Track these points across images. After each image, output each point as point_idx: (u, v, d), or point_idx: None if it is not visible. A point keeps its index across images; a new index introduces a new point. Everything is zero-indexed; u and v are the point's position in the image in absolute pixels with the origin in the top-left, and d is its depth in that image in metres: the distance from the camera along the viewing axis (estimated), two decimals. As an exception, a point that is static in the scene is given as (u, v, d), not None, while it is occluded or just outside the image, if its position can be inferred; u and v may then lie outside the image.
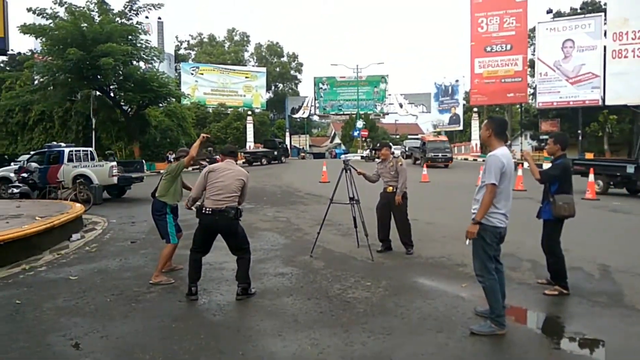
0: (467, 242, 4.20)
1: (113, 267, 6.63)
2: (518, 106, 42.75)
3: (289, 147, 46.52)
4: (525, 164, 18.93)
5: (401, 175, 7.03)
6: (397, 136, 64.73)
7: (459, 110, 49.20)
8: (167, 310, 4.82)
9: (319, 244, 7.29)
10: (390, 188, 7.11)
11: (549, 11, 36.88)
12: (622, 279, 5.78)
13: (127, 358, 3.71)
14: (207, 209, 4.92)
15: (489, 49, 37.90)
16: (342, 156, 7.69)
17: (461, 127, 49.72)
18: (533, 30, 38.91)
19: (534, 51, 38.84)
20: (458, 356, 3.72)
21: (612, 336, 4.15)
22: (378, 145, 7.65)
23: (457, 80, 49.34)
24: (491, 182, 4.00)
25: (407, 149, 38.17)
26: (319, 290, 5.37)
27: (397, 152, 41.34)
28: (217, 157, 6.52)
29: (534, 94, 40.96)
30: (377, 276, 5.89)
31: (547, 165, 6.25)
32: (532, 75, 40.06)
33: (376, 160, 7.60)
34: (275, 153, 35.75)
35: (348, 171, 7.03)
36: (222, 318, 4.56)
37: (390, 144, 7.99)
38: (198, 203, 5.14)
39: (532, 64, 39.44)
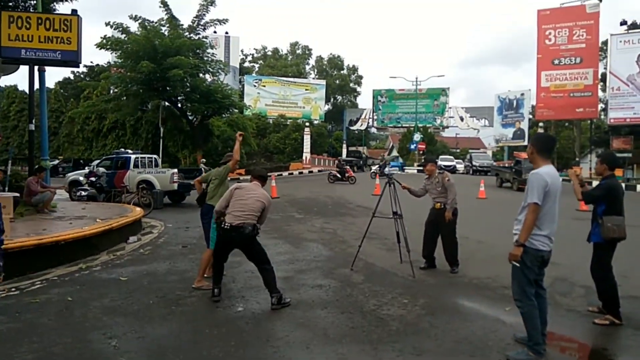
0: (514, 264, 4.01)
1: (161, 270, 6.92)
2: (588, 122, 40.46)
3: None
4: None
5: (450, 191, 6.85)
6: (458, 150, 63.09)
7: (524, 125, 47.20)
8: (203, 315, 4.97)
9: (362, 257, 7.24)
10: (438, 204, 6.94)
11: (623, 22, 34.80)
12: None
13: (159, 359, 3.86)
14: (226, 224, 5.15)
15: (556, 62, 36.24)
16: (386, 170, 7.60)
17: (526, 142, 47.54)
18: (605, 42, 36.85)
19: (606, 65, 36.70)
20: (488, 383, 3.56)
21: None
22: (423, 161, 7.50)
23: (522, 94, 47.43)
24: (533, 201, 3.83)
25: (472, 164, 36.77)
26: (354, 304, 5.33)
27: (460, 167, 40.67)
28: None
29: (605, 110, 38.61)
30: (415, 294, 5.76)
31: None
32: (604, 90, 37.85)
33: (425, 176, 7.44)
34: (360, 162, 43.67)
35: (392, 185, 6.95)
36: (254, 327, 4.63)
37: (436, 159, 7.77)
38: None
39: (603, 78, 37.27)
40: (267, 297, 5.58)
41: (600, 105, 40.35)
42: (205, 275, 6.12)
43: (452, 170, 35.70)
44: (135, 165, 16.64)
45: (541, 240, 3.90)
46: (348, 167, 27.47)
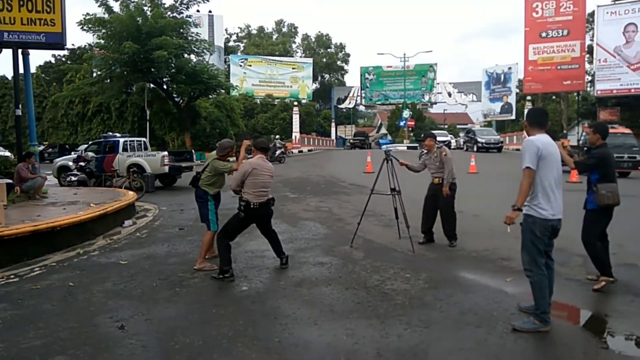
0: (509, 229, 4.12)
1: (161, 252, 6.89)
2: (575, 94, 40.74)
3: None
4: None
5: (447, 166, 6.86)
6: (446, 126, 63.25)
7: (512, 99, 47.39)
8: (208, 296, 4.97)
9: (360, 234, 7.27)
10: (437, 179, 6.96)
11: (610, -7, 34.79)
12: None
13: (168, 341, 3.85)
14: (255, 204, 5.50)
15: (544, 34, 36.27)
16: (384, 146, 7.59)
17: (514, 116, 47.89)
18: (592, 14, 36.87)
19: (593, 37, 36.81)
20: (497, 353, 3.62)
21: (667, 338, 3.91)
22: (422, 135, 7.48)
23: (509, 68, 47.49)
24: (526, 165, 3.92)
25: (477, 140, 31.11)
26: (357, 280, 5.37)
27: (453, 142, 39.46)
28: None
29: (592, 82, 38.84)
30: (417, 268, 5.81)
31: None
32: (591, 62, 38.02)
33: (423, 151, 7.43)
34: (366, 141, 46.42)
35: (389, 161, 6.94)
36: (261, 305, 4.65)
37: (434, 133, 7.72)
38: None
39: (590, 50, 37.41)
40: (270, 276, 5.63)
41: (587, 78, 40.57)
42: (206, 257, 6.10)
43: (448, 145, 35.10)
44: (124, 149, 16.41)
45: (549, 210, 3.94)
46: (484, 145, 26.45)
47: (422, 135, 7.39)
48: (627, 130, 20.38)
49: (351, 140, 47.55)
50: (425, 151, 7.14)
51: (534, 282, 4.01)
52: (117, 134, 19.45)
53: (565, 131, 40.29)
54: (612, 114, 34.22)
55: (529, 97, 40.69)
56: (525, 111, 39.35)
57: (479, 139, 31.22)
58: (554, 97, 50.27)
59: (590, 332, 4.17)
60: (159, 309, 4.57)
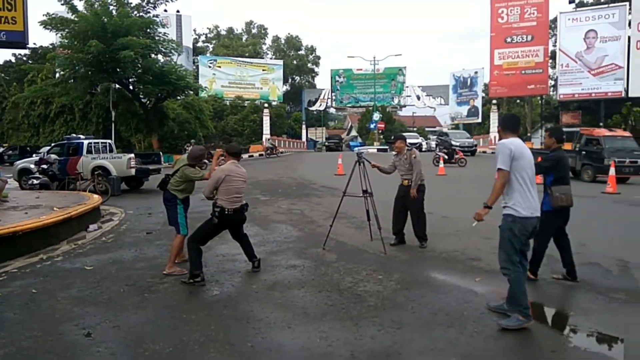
0: (474, 223, 4.32)
1: (128, 257, 6.71)
2: (539, 98, 41.98)
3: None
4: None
5: (415, 168, 6.94)
6: (415, 128, 64.18)
7: (478, 103, 48.45)
8: (178, 301, 4.86)
9: (332, 237, 7.27)
10: (406, 181, 7.02)
11: (572, 1, 36.04)
12: (641, 275, 5.63)
13: (137, 348, 3.75)
14: (229, 210, 5.47)
15: (509, 39, 37.26)
16: (356, 149, 7.62)
17: (480, 120, 49.03)
18: (554, 20, 38.15)
19: (556, 42, 38.07)
20: (468, 352, 3.67)
21: (631, 333, 4.05)
22: (392, 137, 7.53)
23: (476, 72, 48.55)
24: (499, 167, 4.06)
25: (451, 144, 27.89)
26: (330, 283, 5.36)
27: (424, 145, 38.96)
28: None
29: (554, 86, 40.14)
30: (389, 270, 5.85)
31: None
32: (553, 67, 39.31)
33: (392, 152, 7.49)
34: (340, 144, 49.83)
35: (361, 164, 6.97)
36: (233, 310, 4.58)
37: (404, 135, 7.82)
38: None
39: (553, 55, 38.68)
40: (242, 280, 5.56)
41: (550, 82, 41.88)
42: (175, 261, 5.98)
43: (419, 147, 34.53)
44: (89, 151, 15.95)
45: (527, 208, 4.07)
46: (458, 148, 24.66)
47: (392, 138, 7.44)
48: (627, 134, 19.10)
49: (326, 143, 51.04)
50: (395, 153, 7.19)
51: (512, 279, 4.11)
52: (81, 136, 18.88)
53: (529, 134, 41.45)
54: (574, 117, 35.46)
55: (494, 101, 41.72)
56: (492, 116, 40.40)
57: (453, 142, 28.83)
58: (518, 100, 51.71)
59: (558, 330, 4.29)
60: (127, 315, 4.45)
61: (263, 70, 52.91)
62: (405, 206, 7.06)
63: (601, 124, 34.18)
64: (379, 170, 7.19)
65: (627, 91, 32.50)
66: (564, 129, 37.00)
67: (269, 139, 41.22)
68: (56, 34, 28.18)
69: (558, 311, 4.78)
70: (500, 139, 4.38)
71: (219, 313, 4.51)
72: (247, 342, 3.84)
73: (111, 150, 17.31)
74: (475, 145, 31.55)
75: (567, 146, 32.54)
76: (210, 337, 3.93)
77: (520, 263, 4.17)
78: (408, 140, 7.69)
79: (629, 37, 32.04)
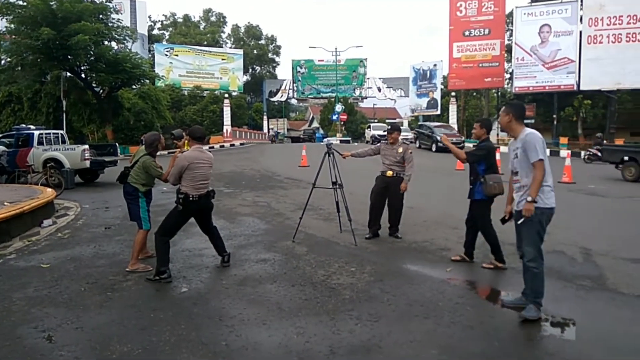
0: (520, 221, 4.10)
1: (87, 254, 6.38)
2: (495, 91, 43.08)
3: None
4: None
5: (412, 163, 6.89)
6: (376, 120, 64.72)
7: (437, 95, 49.23)
8: (145, 300, 4.63)
9: (301, 229, 7.13)
10: (390, 172, 6.85)
11: (527, -5, 37.03)
12: (603, 262, 5.81)
13: (103, 350, 3.53)
14: (194, 196, 5.24)
15: (467, 33, 37.92)
16: (325, 140, 7.51)
17: (439, 112, 49.85)
18: (510, 15, 39.11)
19: (511, 36, 39.09)
20: (447, 343, 3.65)
21: (599, 320, 4.15)
22: (389, 127, 7.35)
23: (435, 65, 49.27)
24: (540, 158, 3.99)
25: (436, 139, 24.93)
26: (302, 276, 5.25)
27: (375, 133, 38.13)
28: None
29: (510, 79, 41.26)
30: (361, 262, 5.80)
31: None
32: (509, 60, 40.30)
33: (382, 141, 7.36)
34: (312, 137, 50.80)
35: (331, 155, 6.86)
36: (203, 307, 4.40)
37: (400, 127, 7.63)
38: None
39: (509, 49, 39.69)
40: (211, 276, 5.38)
41: (506, 75, 43.03)
42: (139, 257, 5.71)
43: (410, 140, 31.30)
44: (40, 143, 15.12)
45: (552, 198, 4.08)
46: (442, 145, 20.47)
47: (390, 128, 7.27)
48: None
49: (301, 135, 54.50)
50: (389, 142, 7.00)
51: (539, 272, 4.06)
52: (31, 126, 17.89)
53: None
54: (529, 109, 36.44)
55: (453, 93, 42.50)
56: (451, 108, 41.06)
57: (438, 137, 24.52)
58: (475, 93, 52.91)
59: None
60: (90, 316, 4.19)
61: (222, 59, 51.81)
62: (385, 198, 6.97)
63: (554, 116, 35.53)
64: (351, 156, 7.13)
65: (578, 84, 33.76)
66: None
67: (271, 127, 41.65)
68: (2, 19, 26.57)
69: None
70: (508, 129, 4.31)
71: (189, 311, 4.31)
72: (221, 340, 3.69)
73: (64, 142, 16.49)
74: (463, 142, 25.99)
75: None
76: (182, 337, 3.75)
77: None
78: (377, 132, 7.65)
79: (580, 32, 33.25)
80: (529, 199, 3.99)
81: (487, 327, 3.94)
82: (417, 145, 26.44)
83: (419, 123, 36.33)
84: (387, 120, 56.83)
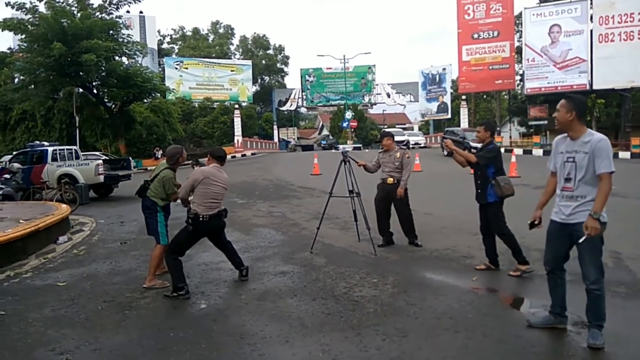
0: (582, 239, 3.49)
1: (103, 271, 6.28)
2: (505, 93, 42.70)
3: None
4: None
5: (408, 168, 6.75)
6: (385, 126, 64.54)
7: (447, 99, 48.98)
8: (163, 318, 4.51)
9: (318, 239, 6.97)
10: (391, 179, 6.76)
11: (535, -4, 36.76)
12: (636, 266, 5.58)
13: (122, 374, 3.40)
14: (204, 217, 5.10)
15: (476, 36, 37.72)
16: (341, 147, 7.38)
17: (449, 116, 49.56)
18: (519, 16, 38.84)
19: (521, 37, 38.78)
20: (482, 358, 3.46)
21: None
22: (380, 135, 7.30)
23: (444, 69, 49.07)
24: (612, 170, 3.43)
25: (458, 144, 15.15)
26: (323, 289, 5.09)
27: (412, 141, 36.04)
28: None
29: (521, 80, 40.91)
30: (382, 272, 5.62)
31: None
32: (520, 62, 40.00)
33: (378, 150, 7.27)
34: (330, 144, 48.19)
35: (347, 163, 6.72)
36: (223, 324, 4.26)
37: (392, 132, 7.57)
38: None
39: (519, 50, 39.38)
40: (230, 291, 5.25)
41: (517, 77, 42.66)
42: (156, 273, 5.60)
43: (406, 144, 30.78)
44: (54, 159, 15.23)
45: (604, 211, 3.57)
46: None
47: (381, 135, 7.23)
48: None
49: (322, 144, 52.08)
50: (383, 150, 6.93)
51: (601, 294, 3.57)
52: (45, 143, 18.04)
53: (498, 128, 42.13)
54: (541, 110, 36.15)
55: (463, 97, 42.23)
56: (462, 112, 40.52)
57: (472, 144, 21.11)
58: (485, 96, 52.51)
59: (569, 330, 4.10)
60: (108, 337, 4.07)
61: (232, 70, 52.11)
62: (388, 205, 6.84)
63: (567, 116, 35.03)
64: (364, 169, 6.97)
65: (591, 84, 33.33)
66: (532, 122, 37.54)
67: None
68: (15, 35, 26.97)
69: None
70: (567, 128, 3.64)
71: (209, 329, 4.18)
72: (244, 360, 3.54)
73: (77, 157, 16.58)
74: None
75: (537, 139, 33.12)
76: (203, 357, 3.62)
77: (561, 269, 3.87)
78: (395, 138, 7.50)
79: (591, 31, 32.88)
80: (595, 215, 3.41)
81: (522, 341, 3.73)
82: (445, 153, 24.82)
83: (446, 129, 34.39)
84: (397, 126, 56.62)
